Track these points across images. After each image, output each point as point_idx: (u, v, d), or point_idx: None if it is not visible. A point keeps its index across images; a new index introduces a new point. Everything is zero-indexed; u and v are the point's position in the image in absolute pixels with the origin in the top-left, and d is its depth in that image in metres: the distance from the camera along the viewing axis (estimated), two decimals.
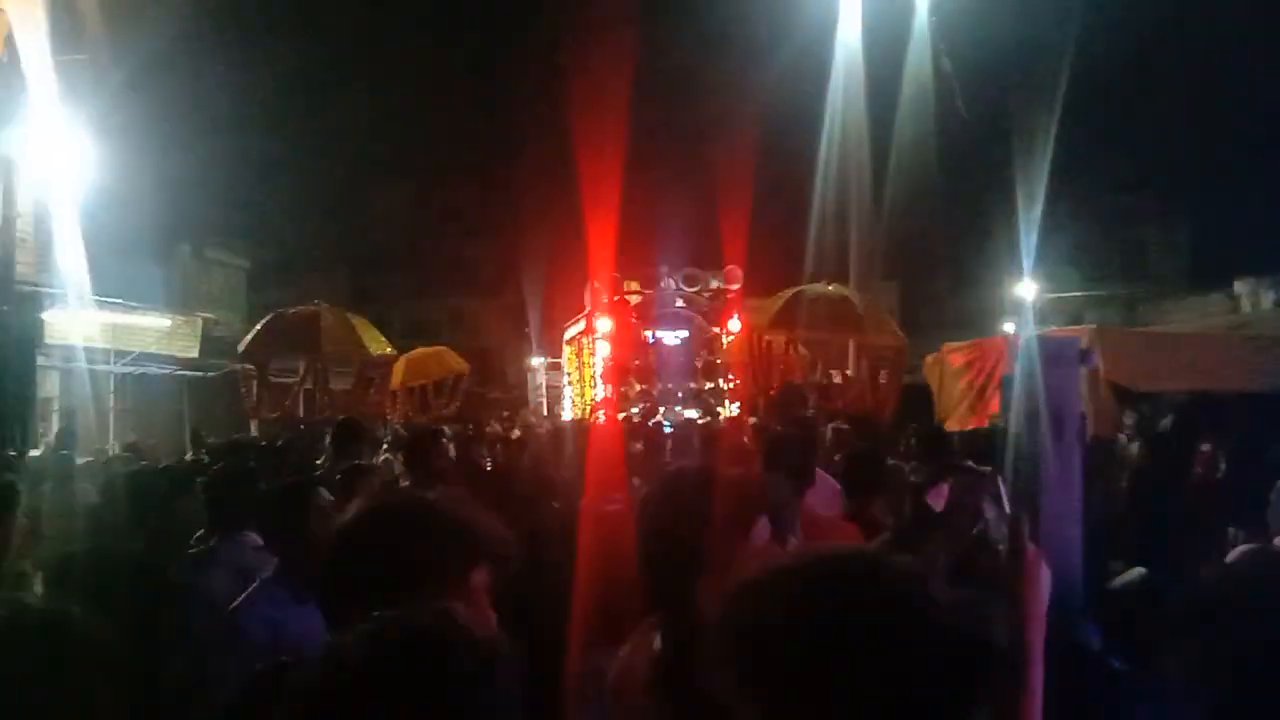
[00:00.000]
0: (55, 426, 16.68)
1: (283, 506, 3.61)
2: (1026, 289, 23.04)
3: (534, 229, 24.41)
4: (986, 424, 8.42)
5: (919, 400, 11.11)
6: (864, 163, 18.35)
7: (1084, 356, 3.98)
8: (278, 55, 22.34)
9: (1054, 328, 14.03)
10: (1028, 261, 14.73)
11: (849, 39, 17.98)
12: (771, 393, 10.53)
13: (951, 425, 9.55)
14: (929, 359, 11.40)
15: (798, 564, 1.21)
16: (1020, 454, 3.67)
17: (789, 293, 11.96)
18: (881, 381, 11.49)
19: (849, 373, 11.81)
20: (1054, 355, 3.75)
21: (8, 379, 11.12)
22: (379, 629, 1.27)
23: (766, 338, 11.70)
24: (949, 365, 10.63)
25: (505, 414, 19.45)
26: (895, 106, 18.47)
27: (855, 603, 1.12)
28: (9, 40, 13.79)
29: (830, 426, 7.61)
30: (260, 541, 4.27)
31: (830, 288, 12.16)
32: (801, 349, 11.59)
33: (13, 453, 10.95)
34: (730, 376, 13.81)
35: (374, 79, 26.51)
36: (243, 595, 3.45)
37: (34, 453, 11.87)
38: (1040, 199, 11.77)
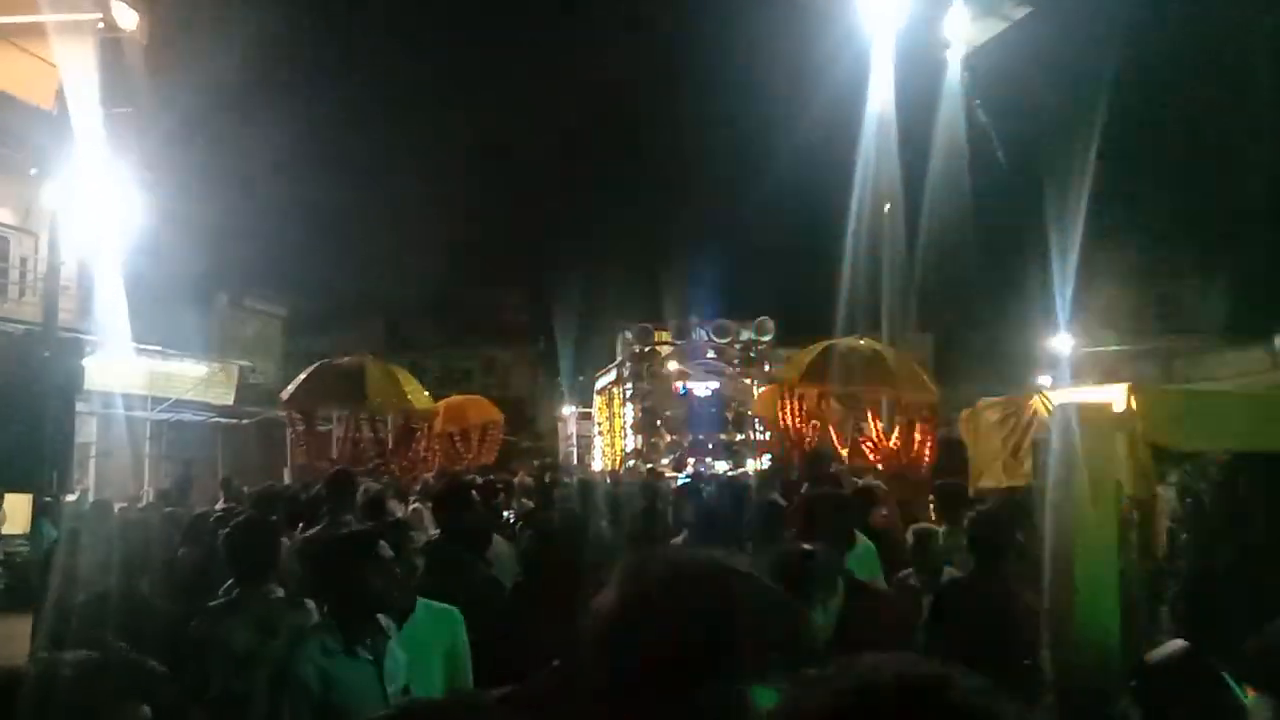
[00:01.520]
0: (91, 472, 16.90)
1: (341, 557, 3.52)
2: (1062, 342, 22.81)
3: (566, 279, 24.57)
4: (1023, 482, 8.29)
5: (954, 455, 10.97)
6: (897, 213, 18.35)
7: (1119, 421, 3.94)
8: (316, 109, 22.83)
9: (1089, 383, 13.87)
10: (1063, 314, 14.61)
11: (882, 90, 18.07)
12: (802, 446, 10.45)
13: (987, 482, 9.40)
14: (964, 414, 11.28)
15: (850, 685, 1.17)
16: (1055, 519, 3.62)
17: (820, 346, 11.92)
18: (915, 437, 11.37)
19: (881, 426, 11.71)
20: (1088, 420, 3.71)
21: (48, 424, 11.25)
22: None
23: (798, 391, 11.63)
24: (984, 421, 10.49)
25: (537, 463, 19.45)
26: (928, 157, 18.51)
27: None
28: (59, 94, 14.17)
29: (860, 482, 7.53)
30: (281, 592, 4.27)
31: (862, 341, 12.10)
32: (834, 403, 11.51)
33: (48, 498, 11.10)
34: (761, 429, 13.75)
35: (410, 133, 26.97)
36: (292, 644, 3.43)
37: (70, 497, 12.02)
38: (1076, 251, 11.70)
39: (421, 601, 3.77)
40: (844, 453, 10.99)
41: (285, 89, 22.21)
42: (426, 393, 15.37)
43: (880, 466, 9.89)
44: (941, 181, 18.63)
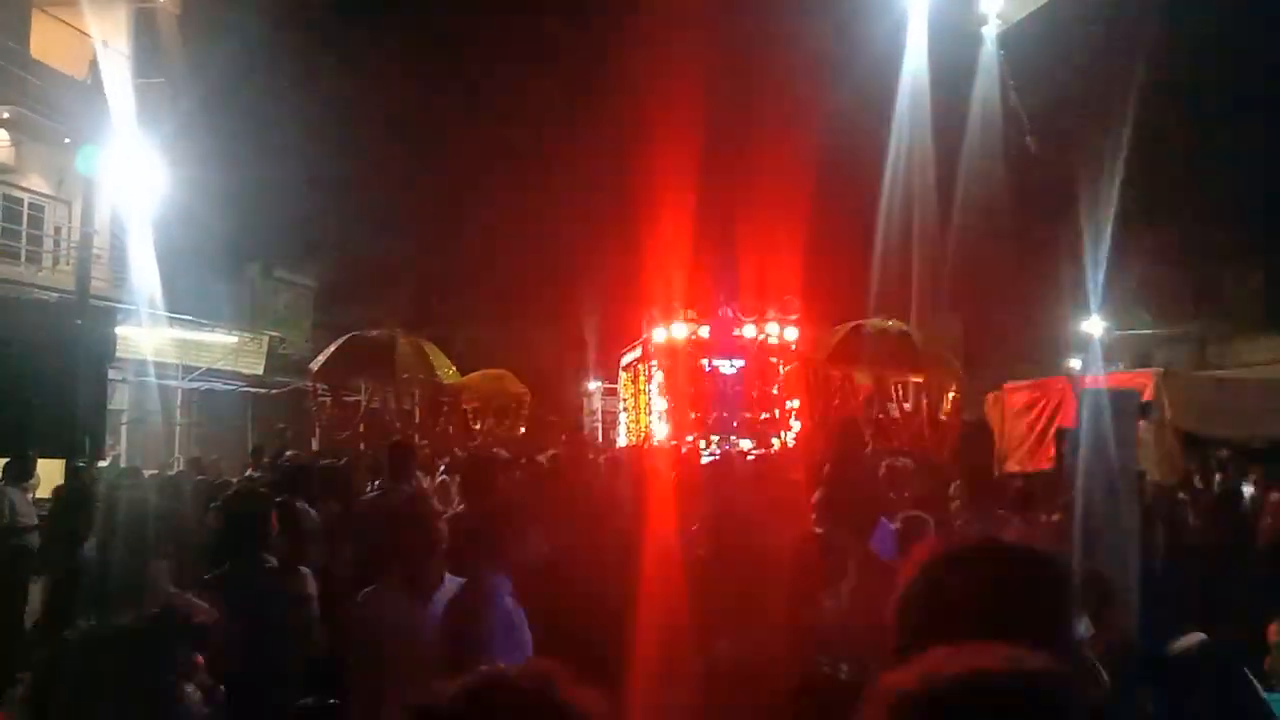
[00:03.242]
0: (124, 439, 17.15)
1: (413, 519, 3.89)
2: (1094, 325, 22.54)
3: (593, 254, 24.55)
4: (1048, 466, 8.24)
5: (980, 438, 10.91)
6: (929, 193, 18.16)
7: (1145, 409, 3.90)
8: (348, 79, 22.83)
9: (1120, 367, 13.74)
10: (1095, 296, 14.44)
11: (915, 68, 17.84)
12: (827, 426, 10.43)
13: (1011, 467, 9.38)
14: (990, 397, 11.22)
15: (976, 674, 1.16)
16: (1084, 508, 3.60)
17: (848, 326, 11.86)
18: (940, 418, 11.32)
19: (907, 408, 11.66)
20: (1115, 408, 3.67)
21: (81, 391, 11.41)
22: None
23: (825, 371, 11.60)
24: (1010, 405, 10.44)
25: (564, 437, 19.53)
26: (961, 136, 18.27)
27: None
28: (93, 63, 14.30)
29: (885, 464, 7.50)
30: (275, 562, 4.33)
31: (890, 323, 12.03)
32: (859, 383, 11.47)
33: (82, 463, 11.27)
34: (786, 407, 13.71)
35: (442, 106, 26.92)
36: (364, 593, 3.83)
37: (102, 464, 12.20)
38: (1109, 232, 11.54)
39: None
40: (869, 435, 10.96)
41: (316, 60, 22.22)
42: (454, 368, 15.46)
43: (905, 449, 9.84)
44: (974, 160, 18.41)
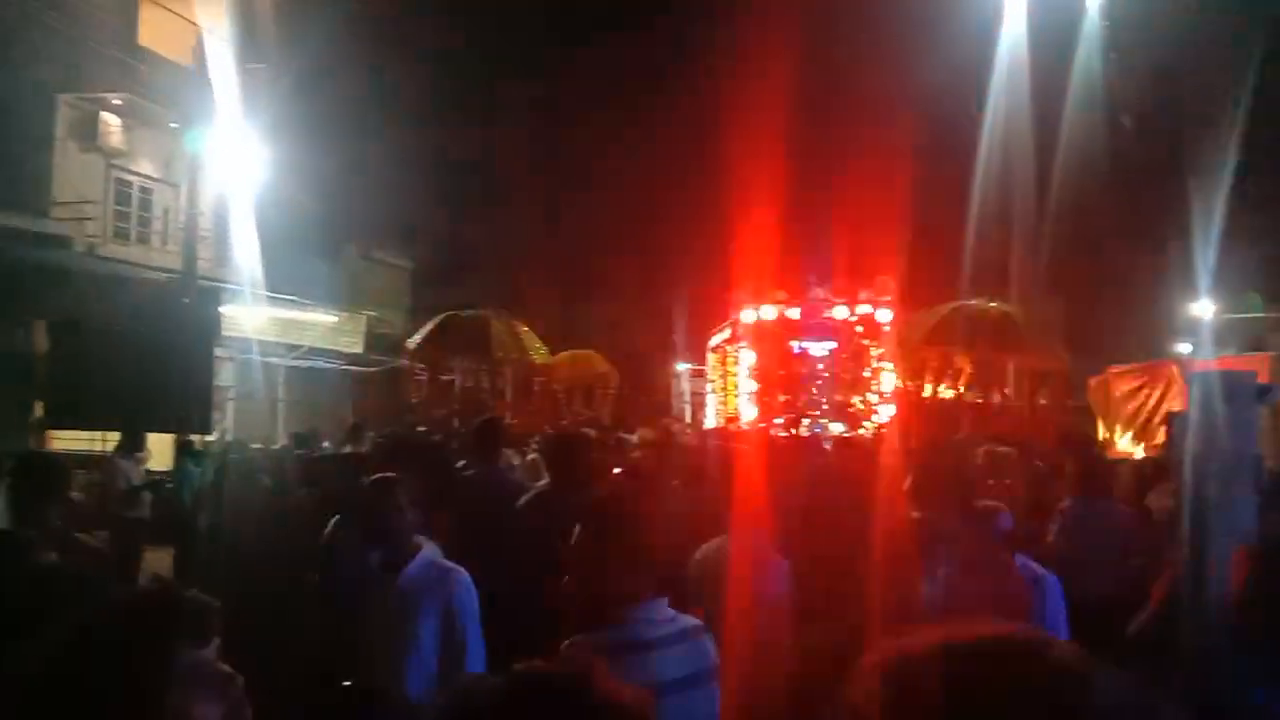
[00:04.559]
0: (230, 415, 17.77)
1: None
2: (1203, 308, 21.61)
3: (683, 235, 24.48)
4: (1154, 453, 7.95)
5: (1085, 422, 10.58)
6: (1028, 171, 17.62)
7: (1263, 392, 3.70)
8: (443, 64, 23.14)
9: (1231, 353, 13.15)
10: (1204, 279, 13.84)
11: (1013, 42, 17.28)
12: (922, 409, 10.23)
13: (1117, 452, 9.07)
14: (1093, 381, 10.87)
15: (948, 643, 1.14)
16: (1194, 496, 3.45)
17: (947, 307, 11.60)
18: (1041, 403, 11.01)
19: (1008, 392, 11.36)
20: (1230, 392, 3.50)
21: (189, 368, 11.85)
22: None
23: (921, 354, 11.36)
24: (1115, 390, 10.11)
25: (664, 421, 19.55)
26: (1061, 112, 17.65)
27: (1007, 694, 1.06)
28: (198, 51, 14.75)
29: (983, 450, 7.33)
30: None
31: (992, 304, 11.71)
32: (957, 365, 11.21)
33: (191, 437, 11.72)
34: (879, 391, 13.48)
35: (533, 88, 27.10)
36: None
37: (209, 438, 12.66)
38: (1219, 210, 11.02)
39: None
40: (967, 419, 10.71)
41: (414, 44, 22.57)
42: (545, 348, 15.65)
43: (1005, 434, 9.59)
44: (1075, 135, 17.77)
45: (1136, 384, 9.74)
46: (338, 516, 5.04)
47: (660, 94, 26.51)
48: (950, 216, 18.25)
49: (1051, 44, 17.32)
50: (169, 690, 1.69)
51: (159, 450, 11.12)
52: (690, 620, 2.95)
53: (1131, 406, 9.59)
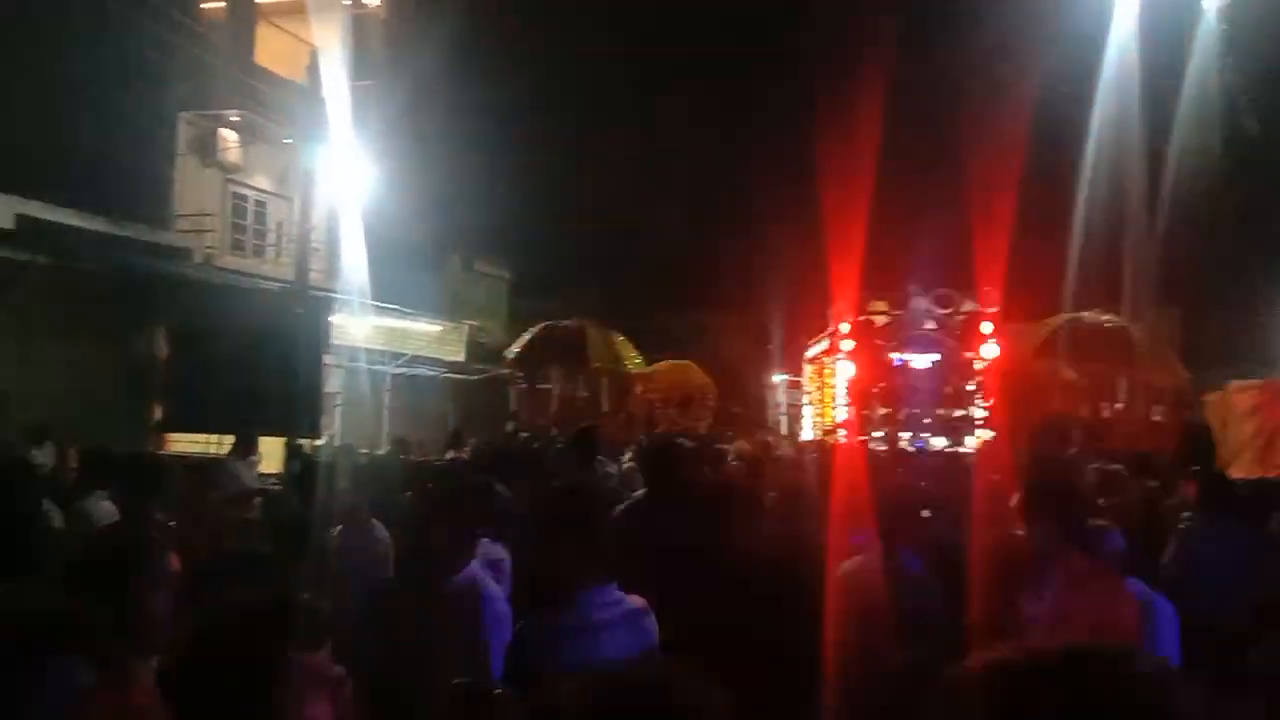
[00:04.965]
0: (337, 420, 18.31)
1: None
2: None
3: (780, 244, 24.31)
4: (1276, 474, 7.56)
5: (1201, 443, 10.12)
6: (1138, 176, 16.99)
7: None
8: (540, 81, 23.53)
9: None
10: None
11: (1123, 44, 16.68)
12: (1030, 424, 9.93)
13: (1236, 472, 8.65)
14: (1212, 397, 10.40)
15: (1031, 653, 1.15)
16: None
17: (1058, 320, 11.25)
18: (1157, 419, 10.58)
19: (1120, 407, 10.96)
20: None
21: (300, 374, 12.29)
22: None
23: (1030, 367, 11.03)
24: (1235, 407, 9.65)
25: (764, 436, 19.47)
26: (1172, 116, 16.97)
27: (1087, 702, 1.06)
28: (311, 69, 15.27)
29: (1095, 467, 7.08)
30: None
31: (1105, 317, 11.31)
32: (1068, 379, 10.85)
33: (301, 441, 12.13)
34: (984, 404, 13.13)
35: (629, 104, 27.32)
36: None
37: (318, 442, 13.08)
38: None
39: None
40: (1078, 435, 10.35)
41: (512, 57, 23.00)
42: (640, 358, 15.73)
43: (1118, 450, 9.24)
44: (1190, 142, 17.07)
45: (1257, 401, 9.28)
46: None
47: (756, 99, 26.42)
48: (1057, 226, 17.69)
49: (1163, 46, 16.67)
50: (284, 692, 1.72)
51: (268, 454, 11.50)
52: (635, 603, 3.17)
53: (1252, 425, 9.14)
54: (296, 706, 1.73)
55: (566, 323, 15.07)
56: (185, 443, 13.88)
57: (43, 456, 11.35)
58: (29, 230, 13.40)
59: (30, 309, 13.42)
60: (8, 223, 13.17)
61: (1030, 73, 16.53)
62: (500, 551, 4.74)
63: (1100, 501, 5.89)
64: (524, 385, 15.50)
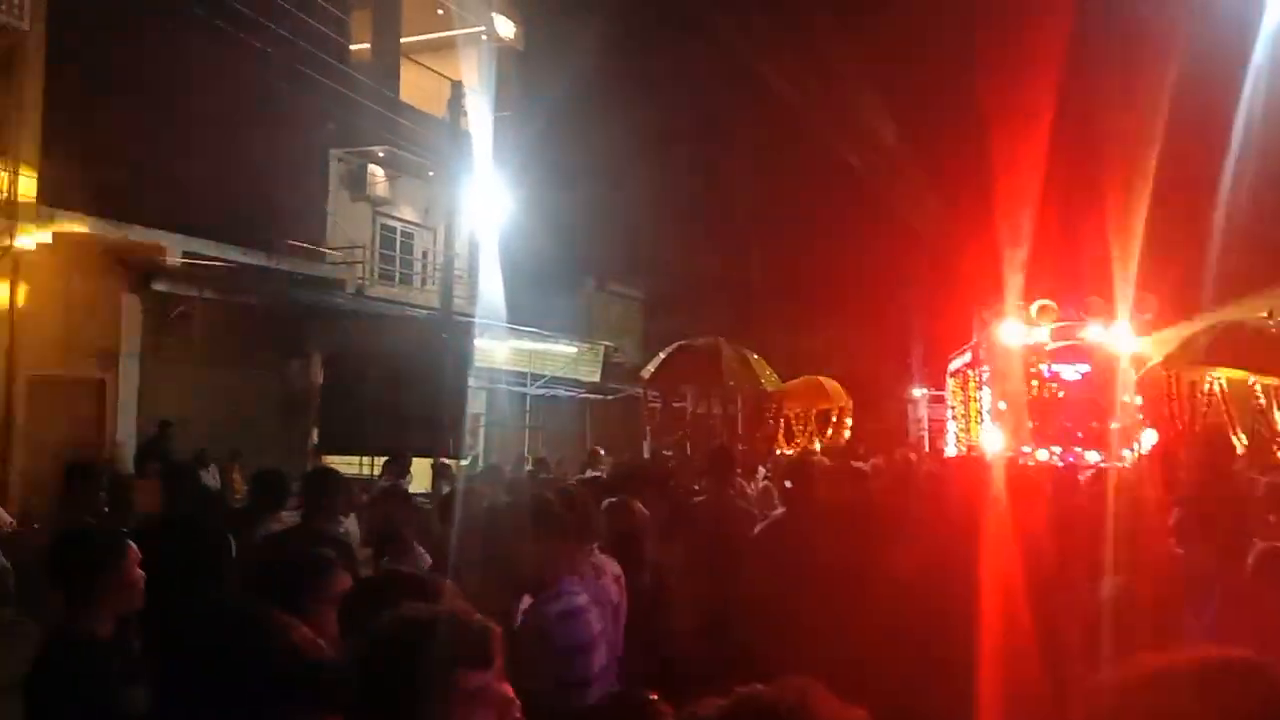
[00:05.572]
0: (481, 440, 18.85)
1: None
2: None
3: (917, 256, 23.81)
4: None
5: None
6: None
7: None
8: (670, 105, 23.81)
9: None
10: None
11: (1275, 34, 15.64)
12: (1190, 436, 9.41)
13: None
14: None
15: (1183, 667, 1.14)
16: None
17: (1220, 324, 10.63)
18: None
19: None
20: None
21: (446, 396, 12.72)
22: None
23: (1190, 376, 10.45)
24: None
25: (905, 454, 19.05)
26: None
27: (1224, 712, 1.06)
28: (452, 103, 15.83)
29: (1265, 480, 6.66)
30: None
31: (1270, 319, 10.62)
32: (1231, 387, 10.22)
33: (448, 460, 12.54)
34: (1139, 417, 12.51)
35: (757, 122, 27.29)
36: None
37: (463, 462, 13.50)
38: None
39: None
40: (1243, 447, 9.75)
41: (642, 86, 23.35)
42: (775, 375, 15.62)
43: None
44: None
45: None
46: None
47: (896, 109, 25.96)
48: (1207, 225, 16.65)
49: None
50: (451, 710, 1.73)
51: (417, 474, 11.93)
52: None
53: None
54: None
55: (701, 341, 15.09)
56: (340, 465, 14.52)
57: (207, 479, 12.11)
58: (195, 266, 14.31)
59: (195, 340, 14.33)
60: (176, 260, 14.09)
61: (1178, 71, 15.71)
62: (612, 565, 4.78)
63: (1271, 518, 5.54)
64: (659, 404, 15.59)
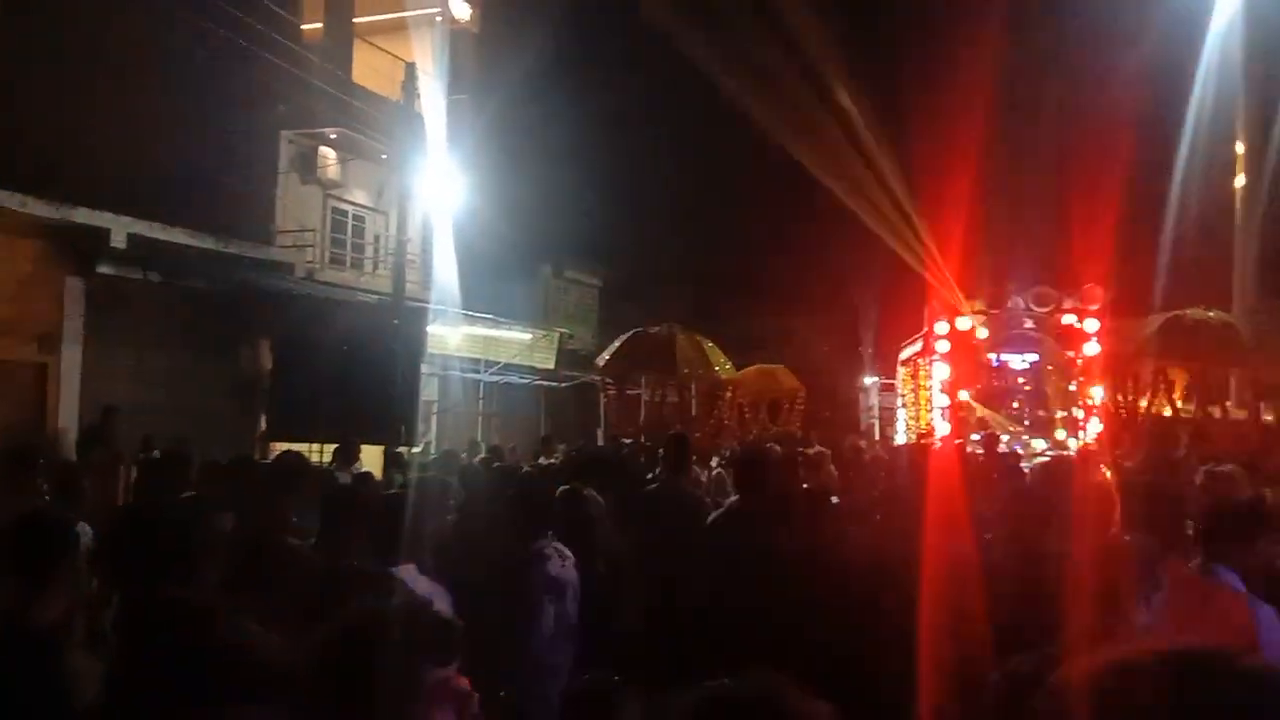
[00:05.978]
0: (434, 427, 18.72)
1: None
2: None
3: (869, 244, 23.98)
4: None
5: None
6: (1242, 167, 16.30)
7: None
8: (626, 93, 23.71)
9: None
10: None
11: (1225, 30, 15.99)
12: (1135, 426, 9.61)
13: None
14: None
15: (1142, 658, 1.15)
16: None
17: (1162, 317, 10.86)
18: (1268, 419, 10.13)
19: (1230, 406, 10.53)
20: None
21: (398, 383, 12.60)
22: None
23: (1135, 366, 10.67)
24: None
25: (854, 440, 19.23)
26: (1278, 102, 16.21)
27: (1191, 701, 1.06)
28: (405, 85, 15.63)
29: (1204, 469, 6.81)
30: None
31: (1212, 313, 10.85)
32: (1174, 379, 10.45)
33: (398, 449, 12.43)
34: (1087, 405, 12.73)
35: (714, 109, 27.30)
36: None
37: (415, 449, 13.39)
38: None
39: None
40: (1185, 436, 9.98)
41: (600, 70, 23.24)
42: (730, 363, 15.69)
43: (1228, 453, 8.87)
44: None
45: None
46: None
47: (848, 99, 26.10)
48: (1158, 220, 17.00)
49: (1268, 30, 15.92)
50: (414, 706, 1.71)
51: (368, 462, 11.82)
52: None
53: None
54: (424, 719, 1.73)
55: (656, 329, 15.11)
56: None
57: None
58: (140, 249, 14.02)
59: (140, 324, 14.04)
60: (121, 242, 13.79)
61: (1130, 67, 15.99)
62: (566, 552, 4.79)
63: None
64: (614, 391, 15.59)
